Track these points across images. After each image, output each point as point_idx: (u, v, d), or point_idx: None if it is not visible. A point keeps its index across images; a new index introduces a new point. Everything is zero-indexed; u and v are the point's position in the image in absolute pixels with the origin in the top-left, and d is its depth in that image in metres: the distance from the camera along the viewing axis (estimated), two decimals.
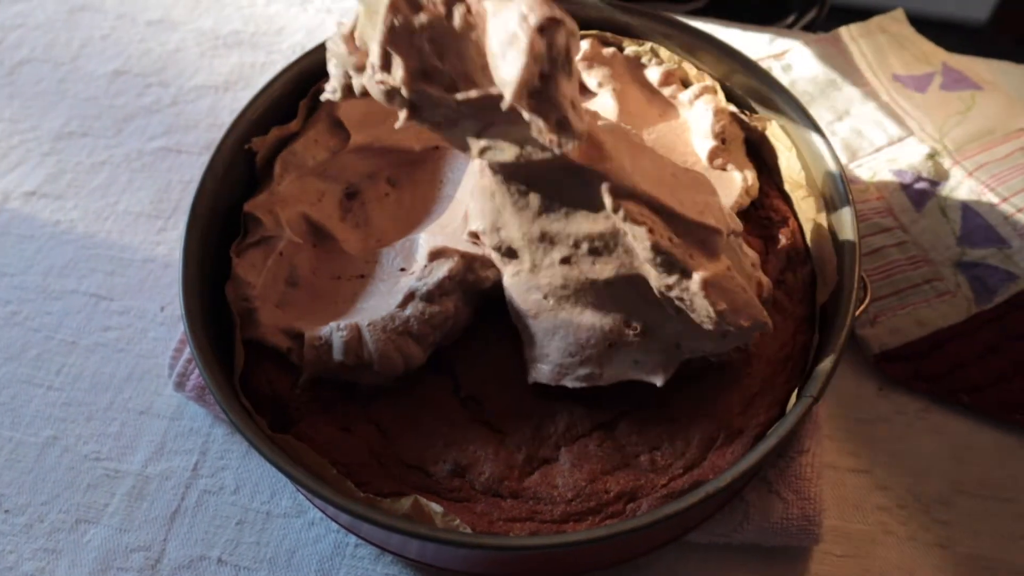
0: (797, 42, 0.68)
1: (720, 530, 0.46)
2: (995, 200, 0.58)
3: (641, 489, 0.42)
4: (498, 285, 0.45)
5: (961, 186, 0.59)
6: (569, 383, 0.43)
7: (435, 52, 0.36)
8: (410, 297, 0.44)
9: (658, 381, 0.42)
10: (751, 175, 0.49)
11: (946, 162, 0.60)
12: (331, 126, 0.51)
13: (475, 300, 0.46)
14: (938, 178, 0.60)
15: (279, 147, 0.51)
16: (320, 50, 0.53)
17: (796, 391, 0.42)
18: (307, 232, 0.49)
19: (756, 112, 0.52)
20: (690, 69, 0.53)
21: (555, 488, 0.42)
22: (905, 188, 0.59)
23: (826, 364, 0.41)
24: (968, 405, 0.52)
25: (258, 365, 0.45)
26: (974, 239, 0.57)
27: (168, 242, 0.60)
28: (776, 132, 0.51)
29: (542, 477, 0.43)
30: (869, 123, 0.63)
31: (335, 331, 0.44)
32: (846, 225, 0.46)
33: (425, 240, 0.46)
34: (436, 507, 0.40)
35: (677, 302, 0.39)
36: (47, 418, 0.53)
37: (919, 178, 0.60)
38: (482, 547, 0.38)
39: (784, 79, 0.66)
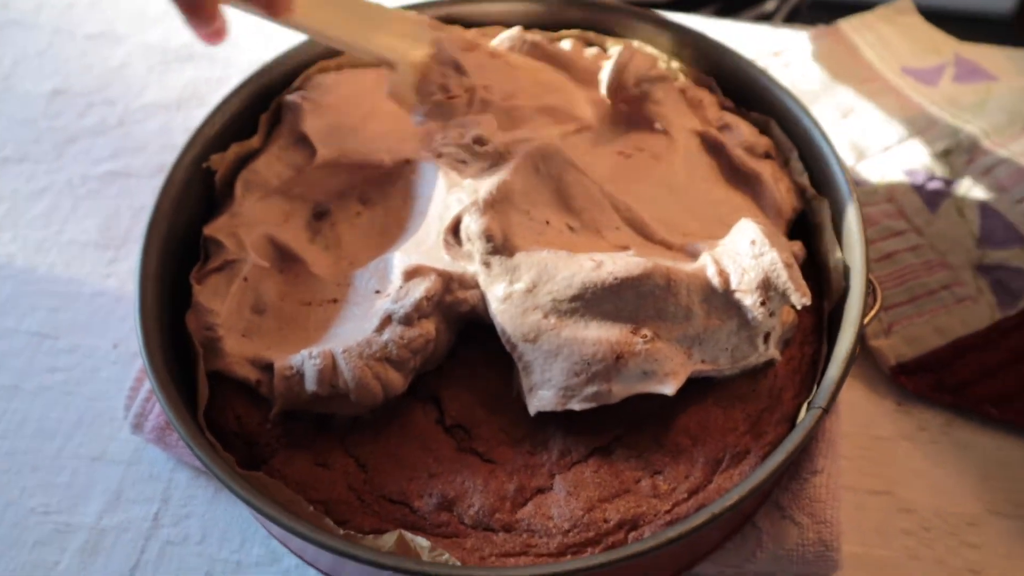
0: (797, 38, 0.72)
1: (732, 560, 0.49)
2: (1016, 197, 0.62)
3: (643, 516, 0.45)
4: (477, 309, 0.48)
5: (978, 184, 0.63)
6: (576, 405, 0.45)
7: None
8: (387, 321, 0.47)
9: (669, 390, 0.44)
10: (798, 246, 0.51)
11: (961, 159, 0.64)
12: (295, 141, 0.54)
13: (456, 322, 0.48)
14: (953, 176, 0.63)
15: (239, 165, 0.54)
16: (280, 61, 0.56)
17: (805, 405, 0.45)
18: (273, 256, 0.52)
19: (754, 111, 0.55)
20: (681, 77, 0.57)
21: (550, 519, 0.45)
22: (917, 188, 0.63)
23: (834, 372, 0.44)
24: (996, 417, 0.55)
25: (224, 399, 0.47)
26: (995, 239, 0.60)
27: (119, 274, 0.62)
28: (776, 133, 0.54)
29: (536, 508, 0.45)
30: (877, 121, 0.67)
31: (307, 359, 0.46)
32: (852, 228, 0.49)
33: (400, 259, 0.49)
34: (423, 542, 0.42)
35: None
36: None
37: (932, 177, 0.63)
38: None
39: (784, 77, 0.69)
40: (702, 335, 0.46)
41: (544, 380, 0.46)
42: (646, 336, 0.45)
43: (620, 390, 0.45)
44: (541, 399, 0.46)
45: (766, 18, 0.84)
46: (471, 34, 0.57)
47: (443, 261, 0.48)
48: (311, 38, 0.54)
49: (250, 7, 0.48)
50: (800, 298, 0.45)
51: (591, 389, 0.45)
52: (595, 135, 0.55)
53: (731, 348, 0.46)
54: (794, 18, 0.86)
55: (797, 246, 0.49)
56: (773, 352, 0.47)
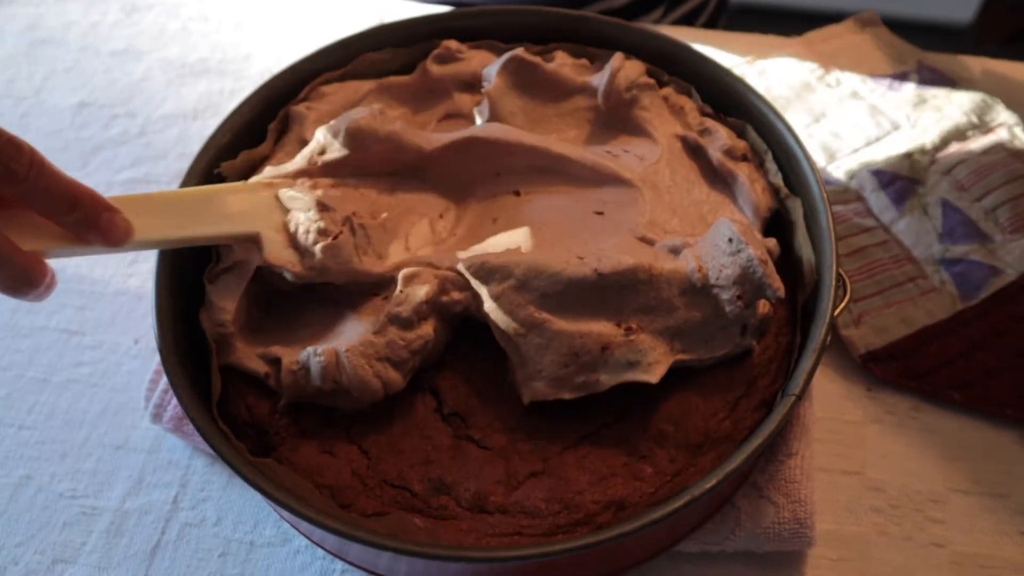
0: (770, 47, 0.71)
1: (712, 539, 0.48)
2: (975, 196, 0.61)
3: (629, 498, 0.44)
4: (470, 308, 0.47)
5: (941, 183, 0.62)
6: (567, 394, 0.44)
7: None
8: (387, 323, 0.46)
9: (653, 379, 0.44)
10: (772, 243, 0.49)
11: (924, 160, 0.63)
12: (300, 148, 0.53)
13: (451, 321, 0.48)
14: (917, 176, 0.62)
15: (249, 171, 0.53)
16: (288, 73, 0.55)
17: (781, 392, 0.45)
18: None
19: (731, 116, 0.55)
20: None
21: (542, 502, 0.44)
22: (884, 187, 0.62)
23: (806, 361, 0.43)
24: (958, 402, 0.54)
25: (236, 391, 0.47)
26: (956, 235, 0.59)
27: (140, 274, 0.62)
28: (752, 136, 0.53)
29: (528, 491, 0.45)
30: (846, 125, 0.66)
31: (312, 356, 0.45)
32: (823, 225, 0.48)
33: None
34: (421, 524, 0.41)
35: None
36: (19, 458, 0.54)
37: (898, 177, 0.62)
38: (468, 559, 0.39)
39: (759, 84, 0.68)
40: (683, 327, 0.45)
41: (536, 372, 0.45)
42: (631, 328, 0.44)
43: (607, 379, 0.44)
44: (534, 389, 0.45)
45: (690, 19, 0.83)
46: (281, 172, 0.49)
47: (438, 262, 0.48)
48: (162, 247, 0.47)
49: (86, 249, 0.42)
50: (775, 292, 0.44)
51: (580, 378, 0.44)
52: (585, 137, 0.53)
53: (710, 339, 0.45)
54: (714, 23, 0.86)
55: (772, 243, 0.48)
56: (750, 342, 0.46)
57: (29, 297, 0.41)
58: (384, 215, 0.49)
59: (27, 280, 0.40)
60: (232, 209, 0.47)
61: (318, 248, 0.46)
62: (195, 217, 0.46)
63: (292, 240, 0.47)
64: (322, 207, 0.47)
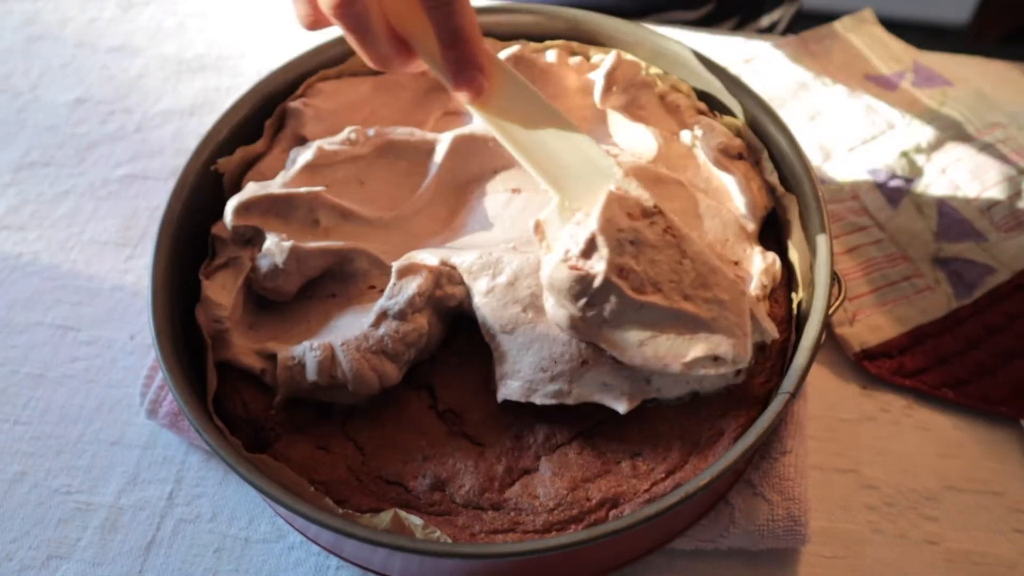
0: (765, 46, 0.71)
1: (706, 536, 0.48)
2: (970, 195, 0.61)
3: (623, 495, 0.44)
4: (464, 303, 0.47)
5: (936, 182, 0.62)
6: (538, 400, 0.44)
7: (633, 254, 0.42)
8: (382, 316, 0.46)
9: (621, 408, 0.44)
10: (772, 257, 0.49)
11: (920, 159, 0.63)
12: (297, 145, 0.53)
13: (446, 315, 0.48)
14: (912, 175, 0.63)
15: (246, 167, 0.53)
16: (284, 70, 0.55)
17: (775, 390, 0.44)
18: None
19: (727, 115, 0.55)
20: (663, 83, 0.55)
21: (536, 498, 0.44)
22: (880, 186, 0.62)
23: (800, 360, 0.43)
24: (952, 400, 0.54)
25: (232, 387, 0.47)
26: (951, 234, 0.60)
27: (136, 270, 0.61)
28: (748, 135, 0.53)
29: (523, 488, 0.45)
30: (842, 124, 0.66)
31: (308, 351, 0.45)
32: (818, 224, 0.48)
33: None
34: (416, 520, 0.41)
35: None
36: (14, 453, 0.54)
37: (893, 176, 0.62)
38: (463, 556, 0.39)
39: (755, 83, 0.68)
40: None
41: (514, 371, 0.45)
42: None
43: (578, 394, 0.44)
44: (509, 388, 0.45)
45: (768, 30, 0.83)
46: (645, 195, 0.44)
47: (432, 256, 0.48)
48: (492, 133, 0.46)
49: (437, 73, 0.44)
50: (769, 333, 0.44)
51: (553, 387, 0.44)
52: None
53: (696, 381, 0.45)
54: (792, 29, 0.86)
55: (771, 258, 0.48)
56: (742, 376, 0.45)
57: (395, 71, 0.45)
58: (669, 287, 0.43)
59: (389, 63, 0.43)
60: (567, 158, 0.45)
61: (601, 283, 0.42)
62: (534, 136, 0.45)
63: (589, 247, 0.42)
64: (634, 242, 0.42)
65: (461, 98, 0.44)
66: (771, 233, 0.51)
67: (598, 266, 0.42)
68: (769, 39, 0.73)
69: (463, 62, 0.43)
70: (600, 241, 0.42)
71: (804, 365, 0.43)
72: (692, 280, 0.43)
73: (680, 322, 0.43)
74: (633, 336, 0.43)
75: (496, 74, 0.44)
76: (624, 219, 0.42)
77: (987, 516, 0.50)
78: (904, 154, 0.63)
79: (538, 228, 0.45)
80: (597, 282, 0.42)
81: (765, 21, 0.83)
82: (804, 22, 0.80)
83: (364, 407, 0.47)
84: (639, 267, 0.42)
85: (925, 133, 0.64)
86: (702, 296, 0.43)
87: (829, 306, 0.45)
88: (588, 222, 0.43)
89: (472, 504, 0.44)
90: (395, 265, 0.47)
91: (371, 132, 0.51)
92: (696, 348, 0.42)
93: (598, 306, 0.42)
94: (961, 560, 0.49)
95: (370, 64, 0.44)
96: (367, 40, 0.42)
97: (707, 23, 0.78)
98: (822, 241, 0.47)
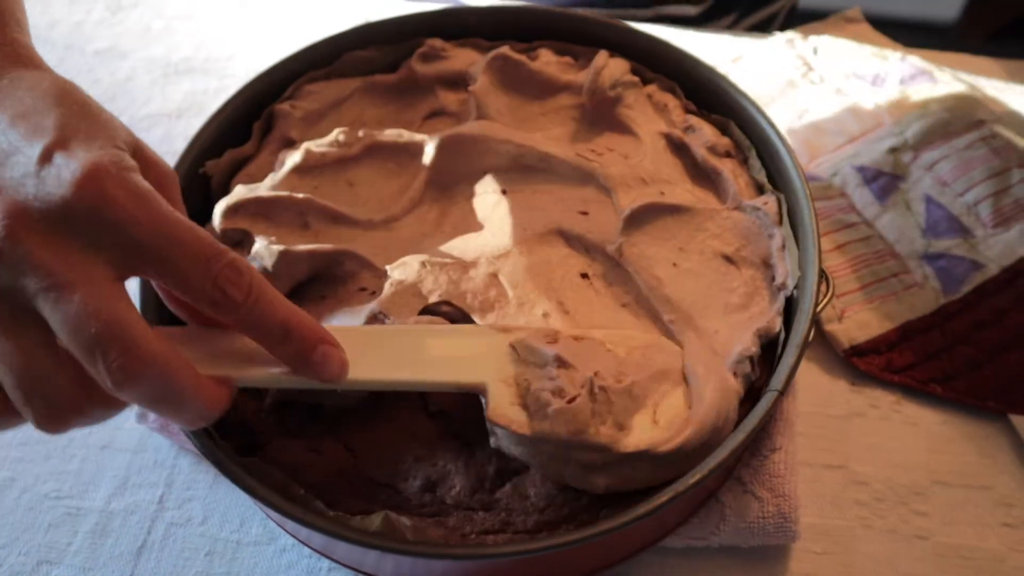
0: (754, 45, 0.71)
1: (697, 533, 0.48)
2: (957, 191, 0.61)
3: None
4: (454, 317, 0.46)
5: (923, 179, 0.62)
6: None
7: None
8: (373, 319, 0.46)
9: (597, 490, 0.42)
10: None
11: (907, 156, 0.63)
12: (286, 147, 0.53)
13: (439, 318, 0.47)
14: (900, 172, 0.63)
15: (234, 170, 0.53)
16: (272, 72, 0.55)
17: (764, 387, 0.45)
18: None
19: (715, 113, 0.55)
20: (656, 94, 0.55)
21: (527, 498, 0.44)
22: (867, 183, 0.62)
23: (789, 357, 0.43)
24: (941, 395, 0.54)
25: None
26: (938, 230, 0.60)
27: None
28: (736, 133, 0.53)
29: (514, 488, 0.45)
30: (829, 121, 0.66)
31: None
32: (806, 220, 0.48)
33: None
34: (407, 521, 0.41)
35: None
36: (3, 459, 0.54)
37: (881, 173, 0.63)
38: (454, 557, 0.39)
39: (743, 82, 0.68)
40: None
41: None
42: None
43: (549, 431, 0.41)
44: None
45: (767, 23, 0.83)
46: (544, 323, 0.45)
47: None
48: (377, 388, 0.42)
49: (293, 382, 0.37)
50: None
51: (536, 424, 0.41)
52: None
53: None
54: (788, 24, 0.86)
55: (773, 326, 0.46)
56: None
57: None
58: (629, 379, 0.42)
59: (203, 417, 0.36)
60: (458, 353, 0.41)
61: (551, 410, 0.40)
62: (417, 358, 0.41)
63: (522, 397, 0.41)
64: (561, 363, 0.41)
65: (327, 379, 0.37)
66: None
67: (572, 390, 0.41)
68: (757, 37, 0.73)
69: (306, 345, 0.36)
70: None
71: (793, 363, 0.43)
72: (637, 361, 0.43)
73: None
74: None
75: (341, 340, 0.38)
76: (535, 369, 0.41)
77: (976, 510, 0.51)
78: (892, 151, 0.63)
79: (498, 418, 0.40)
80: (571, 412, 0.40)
81: (764, 14, 0.83)
82: (795, 19, 0.80)
83: (355, 409, 0.46)
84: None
85: (912, 130, 0.64)
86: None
87: (818, 303, 0.45)
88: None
89: (463, 505, 0.44)
90: (389, 268, 0.47)
91: (360, 133, 0.51)
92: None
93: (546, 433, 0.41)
94: (950, 554, 0.49)
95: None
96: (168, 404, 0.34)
97: (707, 17, 0.78)
98: (810, 239, 0.47)
